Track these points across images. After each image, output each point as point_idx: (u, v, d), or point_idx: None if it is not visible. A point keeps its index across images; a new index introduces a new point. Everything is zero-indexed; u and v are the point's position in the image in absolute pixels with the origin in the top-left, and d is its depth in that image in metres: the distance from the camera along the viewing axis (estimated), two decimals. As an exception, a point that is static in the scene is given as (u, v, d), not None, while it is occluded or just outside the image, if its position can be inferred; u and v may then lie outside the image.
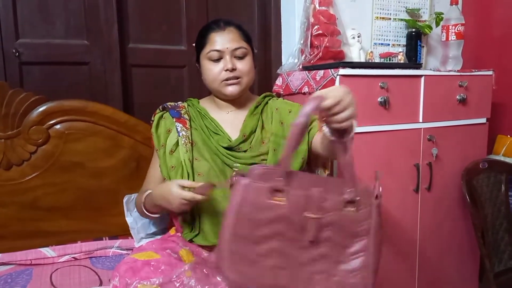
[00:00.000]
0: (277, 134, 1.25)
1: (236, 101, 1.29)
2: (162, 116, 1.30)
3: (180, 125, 1.26)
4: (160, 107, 1.32)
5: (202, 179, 1.19)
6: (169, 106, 1.31)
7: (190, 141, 1.24)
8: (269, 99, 1.35)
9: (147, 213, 1.24)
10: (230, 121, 1.28)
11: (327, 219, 0.86)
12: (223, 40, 1.22)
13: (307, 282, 0.88)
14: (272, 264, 0.87)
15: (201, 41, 1.25)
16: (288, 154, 0.85)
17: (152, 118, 1.33)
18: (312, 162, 1.31)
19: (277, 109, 1.30)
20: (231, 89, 1.23)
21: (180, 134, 1.24)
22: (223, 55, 1.21)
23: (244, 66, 1.23)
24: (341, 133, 0.89)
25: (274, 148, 1.22)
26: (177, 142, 1.24)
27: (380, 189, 0.92)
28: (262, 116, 1.30)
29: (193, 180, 1.18)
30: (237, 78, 1.22)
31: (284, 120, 1.27)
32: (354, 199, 0.87)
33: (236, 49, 1.22)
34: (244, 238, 0.85)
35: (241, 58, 1.23)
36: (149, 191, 1.21)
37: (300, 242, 0.86)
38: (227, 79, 1.22)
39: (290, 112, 1.29)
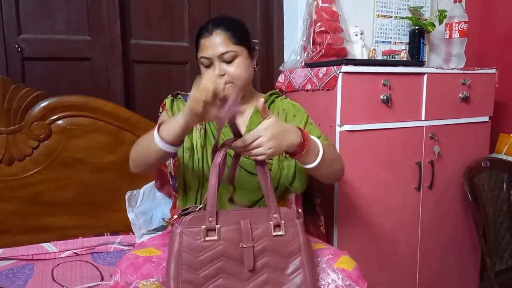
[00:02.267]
0: None
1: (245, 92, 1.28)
2: (173, 100, 1.29)
3: None
4: (173, 93, 1.31)
5: (208, 167, 1.18)
6: (183, 93, 1.31)
7: (204, 128, 1.23)
8: (276, 97, 1.34)
9: (158, 137, 1.00)
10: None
11: (261, 246, 0.95)
12: (210, 46, 1.19)
13: None
14: None
15: (196, 46, 1.25)
16: (213, 193, 0.95)
17: (160, 110, 1.32)
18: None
19: (284, 109, 1.29)
20: (226, 91, 1.22)
21: None
22: (213, 61, 1.20)
23: (234, 69, 1.20)
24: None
25: None
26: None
27: (300, 210, 1.03)
28: None
29: (202, 166, 1.18)
30: (231, 81, 1.21)
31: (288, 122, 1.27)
32: (279, 223, 0.97)
33: (223, 53, 1.19)
34: (190, 283, 0.90)
35: (230, 61, 1.20)
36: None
37: (242, 275, 0.93)
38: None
39: (294, 116, 1.28)
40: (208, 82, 0.90)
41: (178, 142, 1.01)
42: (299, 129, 1.02)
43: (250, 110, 1.28)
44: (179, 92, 1.31)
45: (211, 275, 0.92)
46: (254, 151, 0.96)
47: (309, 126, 1.29)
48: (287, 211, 0.99)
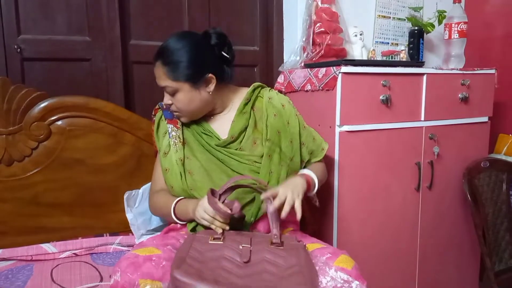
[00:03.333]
0: (274, 142, 1.25)
1: (213, 106, 1.29)
2: (161, 116, 1.31)
3: (171, 125, 1.27)
4: (158, 104, 1.33)
5: (193, 177, 1.21)
6: (164, 106, 1.31)
7: (181, 140, 1.25)
8: (259, 91, 1.34)
9: (175, 217, 1.22)
10: (219, 121, 1.29)
11: (259, 255, 1.02)
12: (156, 76, 1.22)
13: None
14: None
15: None
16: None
17: (153, 113, 1.34)
18: None
19: (275, 115, 1.29)
20: (181, 119, 1.26)
21: (171, 135, 1.26)
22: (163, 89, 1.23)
23: (177, 102, 1.21)
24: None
25: (269, 154, 1.23)
26: (169, 143, 1.26)
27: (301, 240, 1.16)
28: (255, 112, 1.30)
29: (185, 178, 1.21)
30: (178, 111, 1.24)
31: (281, 129, 1.28)
32: (278, 242, 1.07)
33: (163, 87, 1.21)
34: (191, 266, 0.97)
35: (173, 94, 1.20)
36: (178, 199, 1.22)
37: (239, 270, 0.98)
38: (173, 111, 1.25)
39: (288, 123, 1.30)
40: (202, 220, 1.12)
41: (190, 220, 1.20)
42: (302, 176, 1.21)
43: (233, 112, 1.28)
44: (161, 105, 1.31)
45: (211, 268, 0.97)
46: (284, 209, 1.10)
47: (305, 132, 1.32)
48: (288, 236, 1.13)
